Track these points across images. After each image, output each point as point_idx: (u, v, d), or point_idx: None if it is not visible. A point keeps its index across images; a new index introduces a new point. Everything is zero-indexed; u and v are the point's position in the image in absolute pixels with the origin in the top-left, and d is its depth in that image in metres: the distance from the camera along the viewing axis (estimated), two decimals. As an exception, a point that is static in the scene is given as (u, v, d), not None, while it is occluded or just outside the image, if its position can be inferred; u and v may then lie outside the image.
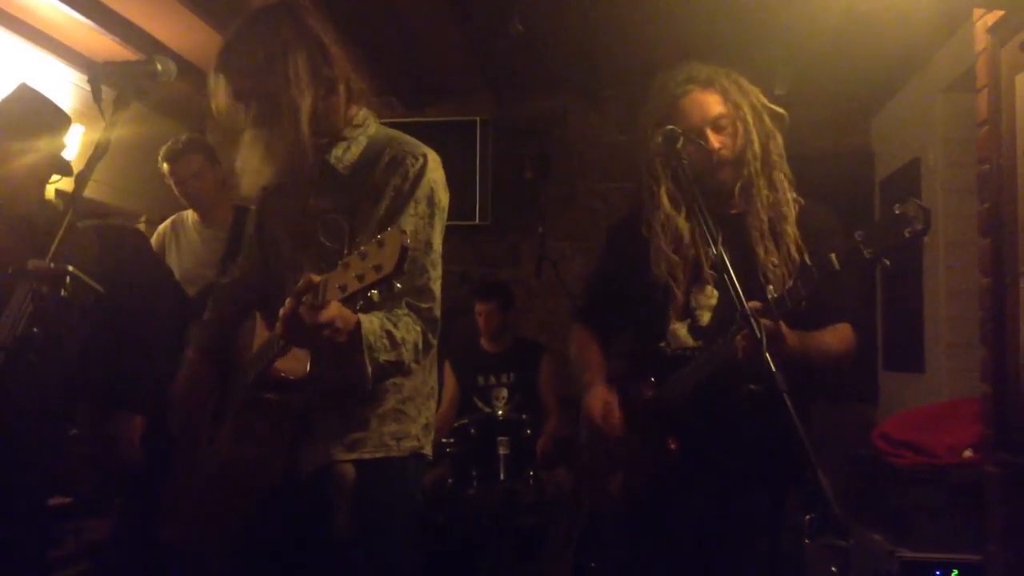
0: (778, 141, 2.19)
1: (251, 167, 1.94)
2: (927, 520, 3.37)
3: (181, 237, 3.75)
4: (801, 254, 2.09)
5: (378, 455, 1.92)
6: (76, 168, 2.20)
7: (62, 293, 1.76)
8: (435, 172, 1.96)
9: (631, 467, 2.17)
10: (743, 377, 1.96)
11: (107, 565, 3.24)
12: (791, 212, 2.15)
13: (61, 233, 1.76)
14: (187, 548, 2.16)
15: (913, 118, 4.80)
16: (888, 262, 1.75)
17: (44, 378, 2.28)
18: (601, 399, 2.20)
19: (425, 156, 1.95)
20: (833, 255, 1.80)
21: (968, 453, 3.43)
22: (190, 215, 3.78)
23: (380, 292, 1.52)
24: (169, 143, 3.72)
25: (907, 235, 1.70)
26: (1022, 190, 2.85)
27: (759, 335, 1.64)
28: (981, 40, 3.13)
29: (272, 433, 1.89)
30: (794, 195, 2.18)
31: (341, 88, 1.97)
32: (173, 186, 3.68)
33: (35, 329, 1.77)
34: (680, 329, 2.16)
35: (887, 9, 3.76)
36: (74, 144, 4.10)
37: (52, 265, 1.73)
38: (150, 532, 2.36)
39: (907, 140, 4.85)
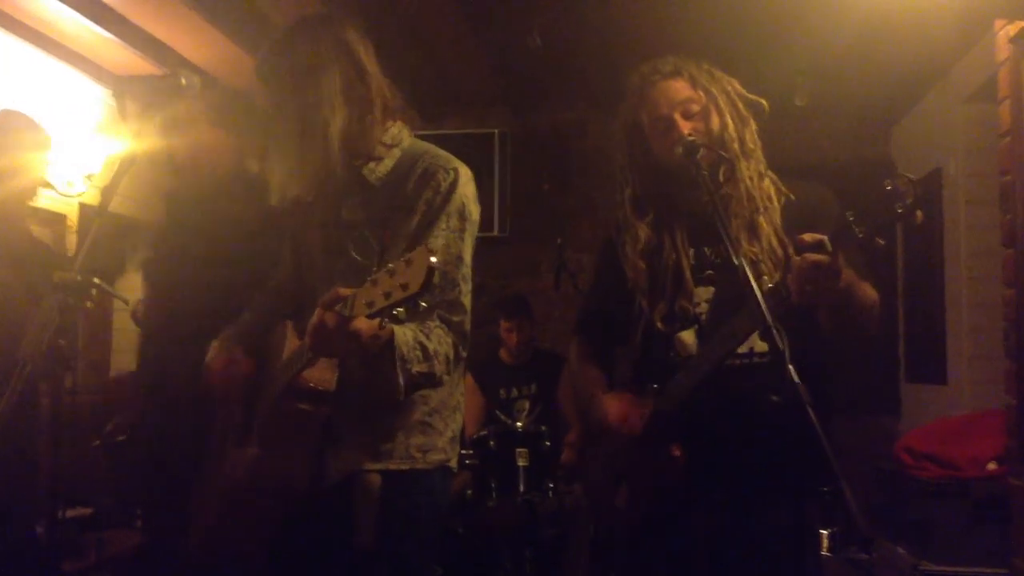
0: (752, 129, 2.13)
1: (279, 178, 1.96)
2: (951, 533, 3.35)
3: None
4: (785, 248, 2.01)
5: (404, 467, 1.93)
6: (102, 182, 2.23)
7: (88, 305, 1.78)
8: (467, 186, 1.97)
9: (636, 478, 2.13)
10: (764, 389, 1.94)
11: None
12: (771, 204, 2.08)
13: (88, 245, 1.78)
14: (212, 557, 2.17)
15: (934, 128, 4.78)
16: (882, 242, 1.71)
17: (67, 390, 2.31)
18: (615, 402, 2.15)
19: (457, 170, 1.97)
20: (825, 238, 1.74)
21: (992, 466, 3.40)
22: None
23: (408, 308, 1.54)
24: None
25: (898, 210, 1.67)
26: (1045, 201, 2.84)
27: (781, 347, 1.62)
28: (1003, 50, 3.12)
29: (299, 442, 1.90)
30: (776, 188, 2.11)
31: (377, 107, 1.99)
32: None
33: (61, 341, 1.78)
34: (687, 336, 2.11)
35: (907, 19, 3.75)
36: (100, 158, 4.16)
37: (79, 277, 1.75)
38: (175, 541, 2.36)
39: (928, 150, 4.83)
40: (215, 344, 2.14)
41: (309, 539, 1.95)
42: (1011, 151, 3.04)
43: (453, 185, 1.94)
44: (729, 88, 2.14)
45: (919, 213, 1.66)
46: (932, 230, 4.63)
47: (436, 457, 1.98)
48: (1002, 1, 3.01)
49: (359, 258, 1.81)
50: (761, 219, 2.06)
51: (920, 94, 4.93)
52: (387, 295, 1.52)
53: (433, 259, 1.48)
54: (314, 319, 1.65)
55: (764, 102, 2.16)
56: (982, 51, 3.88)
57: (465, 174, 1.98)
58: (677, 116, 2.08)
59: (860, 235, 1.70)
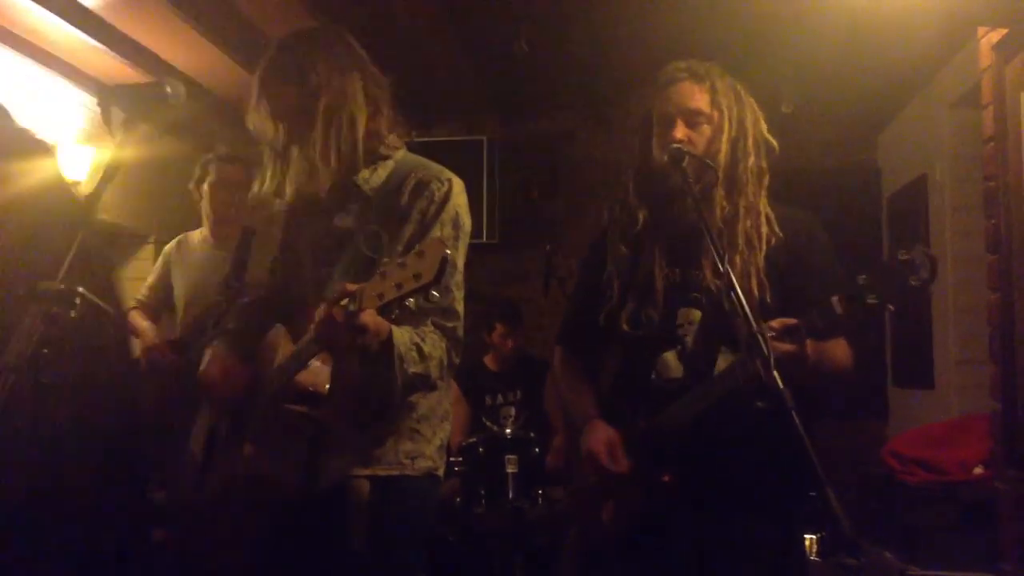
0: (748, 165, 2.07)
1: (299, 180, 1.99)
2: (938, 537, 3.36)
3: (186, 256, 3.75)
4: (763, 291, 1.99)
5: (393, 473, 1.94)
6: (87, 190, 2.22)
7: (72, 315, 1.76)
8: (460, 197, 2.01)
9: (623, 498, 2.10)
10: (748, 394, 1.94)
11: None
12: (756, 245, 2.02)
13: (72, 254, 1.77)
14: (200, 558, 2.17)
15: (919, 134, 4.80)
16: (892, 308, 1.71)
17: (55, 399, 2.29)
18: (604, 438, 2.10)
19: (450, 181, 2.01)
20: (835, 299, 1.74)
21: (979, 470, 3.41)
22: (197, 234, 3.78)
23: (416, 302, 1.59)
24: (220, 149, 3.75)
25: (913, 283, 1.67)
26: (1029, 206, 2.85)
27: (767, 355, 1.62)
28: (986, 57, 3.14)
29: (292, 445, 1.91)
30: (769, 227, 2.05)
31: (384, 111, 2.06)
32: (209, 189, 3.67)
33: (45, 351, 1.77)
34: (670, 358, 2.07)
35: (892, 27, 3.77)
36: (85, 166, 4.14)
37: (62, 286, 1.74)
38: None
39: (914, 156, 4.86)
40: (208, 352, 2.13)
41: (298, 543, 1.96)
42: (995, 156, 3.06)
43: (447, 195, 1.98)
44: (748, 117, 2.10)
45: (931, 289, 1.67)
46: (918, 235, 4.66)
47: (424, 464, 1.99)
48: (985, 8, 3.03)
49: (370, 254, 1.84)
50: (738, 258, 2.01)
51: (905, 101, 4.95)
52: (399, 286, 1.55)
53: (447, 250, 1.53)
54: (322, 312, 1.68)
55: (775, 144, 2.12)
56: (966, 58, 3.90)
57: (458, 185, 2.02)
58: (680, 121, 2.05)
59: (874, 302, 1.70)
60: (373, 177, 2.03)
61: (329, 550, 1.90)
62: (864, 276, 1.72)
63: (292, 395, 1.89)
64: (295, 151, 1.99)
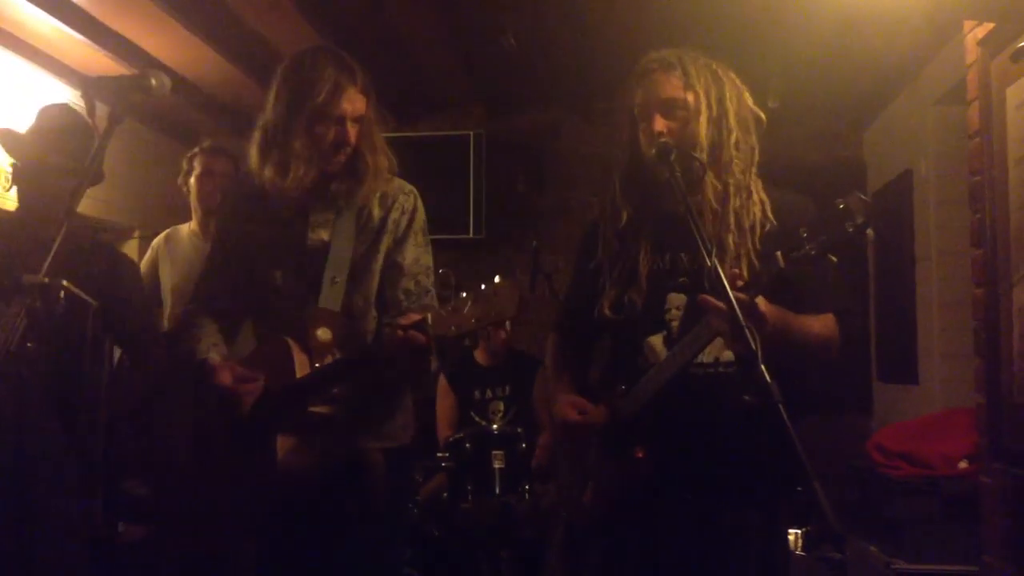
0: (732, 141, 2.05)
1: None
2: (922, 531, 3.37)
3: (174, 250, 3.73)
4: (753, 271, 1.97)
5: (394, 444, 2.21)
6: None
7: (56, 309, 1.75)
8: (420, 202, 2.28)
9: (600, 479, 2.13)
10: (733, 394, 1.93)
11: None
12: (744, 222, 2.02)
13: (56, 247, 1.76)
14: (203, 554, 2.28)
15: (905, 130, 4.82)
16: (835, 259, 1.72)
17: (37, 393, 2.27)
18: (569, 400, 2.14)
19: (414, 191, 2.27)
20: (779, 253, 1.74)
21: (963, 464, 3.43)
22: (186, 228, 3.76)
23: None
24: (205, 142, 3.75)
25: (849, 230, 1.68)
26: (1014, 201, 2.86)
27: (754, 347, 1.62)
28: (972, 52, 3.15)
29: (315, 439, 2.06)
30: (762, 211, 2.04)
31: None
32: (195, 182, 3.65)
33: (29, 344, 1.76)
34: (656, 342, 2.09)
35: (878, 22, 3.79)
36: (68, 159, 4.10)
37: (46, 280, 1.73)
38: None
39: (899, 152, 4.88)
40: (214, 359, 2.14)
41: (320, 513, 2.10)
42: (980, 152, 3.07)
43: (415, 206, 2.25)
44: (729, 94, 2.08)
45: (870, 232, 1.67)
46: (903, 230, 4.68)
47: (409, 434, 2.27)
48: (971, 3, 3.04)
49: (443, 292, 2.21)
50: (730, 238, 2.01)
51: (891, 96, 4.97)
52: (478, 320, 1.77)
53: (517, 288, 1.75)
54: (397, 337, 1.85)
55: (763, 116, 2.11)
56: (951, 53, 3.92)
57: (416, 193, 2.28)
58: (657, 113, 2.05)
59: (812, 252, 1.70)
60: (342, 187, 2.19)
61: (352, 514, 2.09)
62: (804, 228, 1.73)
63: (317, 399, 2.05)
64: (357, 154, 2.17)
